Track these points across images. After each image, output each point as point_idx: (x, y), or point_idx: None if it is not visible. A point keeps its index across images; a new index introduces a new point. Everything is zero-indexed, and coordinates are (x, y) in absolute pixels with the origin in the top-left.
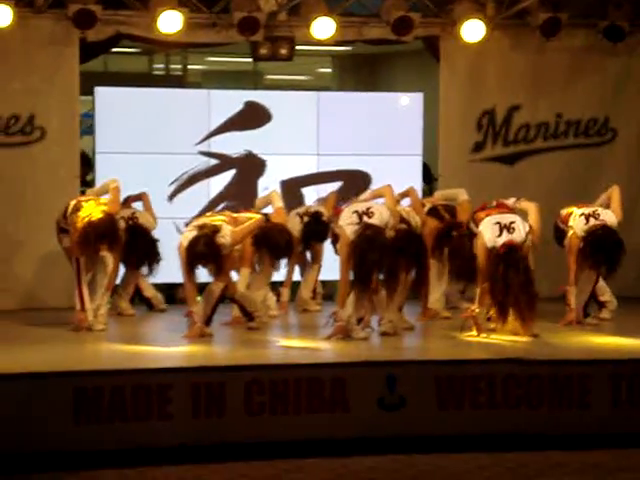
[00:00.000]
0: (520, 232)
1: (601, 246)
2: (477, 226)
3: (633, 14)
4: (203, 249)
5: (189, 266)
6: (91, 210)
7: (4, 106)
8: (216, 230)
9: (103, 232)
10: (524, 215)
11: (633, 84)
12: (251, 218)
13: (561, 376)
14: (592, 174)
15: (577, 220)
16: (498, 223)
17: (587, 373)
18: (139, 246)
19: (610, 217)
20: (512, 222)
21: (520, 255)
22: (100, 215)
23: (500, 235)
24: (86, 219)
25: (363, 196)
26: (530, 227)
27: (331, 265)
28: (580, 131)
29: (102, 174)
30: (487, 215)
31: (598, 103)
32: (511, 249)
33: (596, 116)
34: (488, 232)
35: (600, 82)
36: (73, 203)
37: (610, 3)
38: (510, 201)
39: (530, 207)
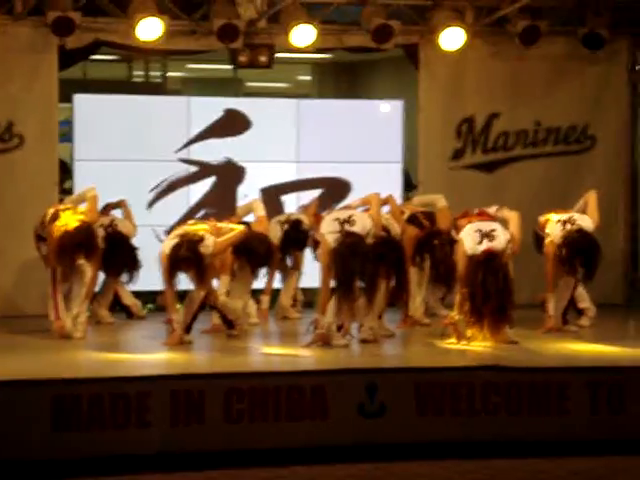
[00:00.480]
0: (500, 240)
1: (578, 250)
2: (458, 233)
3: (612, 22)
4: (185, 254)
5: (170, 272)
6: (67, 219)
7: None
8: (199, 239)
9: (79, 241)
10: (505, 223)
11: (612, 92)
12: (234, 229)
13: (540, 383)
14: (572, 181)
15: (554, 227)
16: (479, 230)
17: (565, 380)
18: (118, 254)
19: (586, 222)
20: (493, 230)
21: (500, 263)
22: (76, 224)
23: (480, 242)
24: (62, 228)
25: (352, 203)
26: (511, 235)
27: (311, 272)
28: (559, 139)
29: (81, 181)
30: (468, 222)
31: (577, 111)
32: (491, 257)
33: (575, 123)
34: (469, 239)
35: (579, 90)
36: (51, 211)
37: (589, 11)
38: (492, 209)
39: (511, 216)
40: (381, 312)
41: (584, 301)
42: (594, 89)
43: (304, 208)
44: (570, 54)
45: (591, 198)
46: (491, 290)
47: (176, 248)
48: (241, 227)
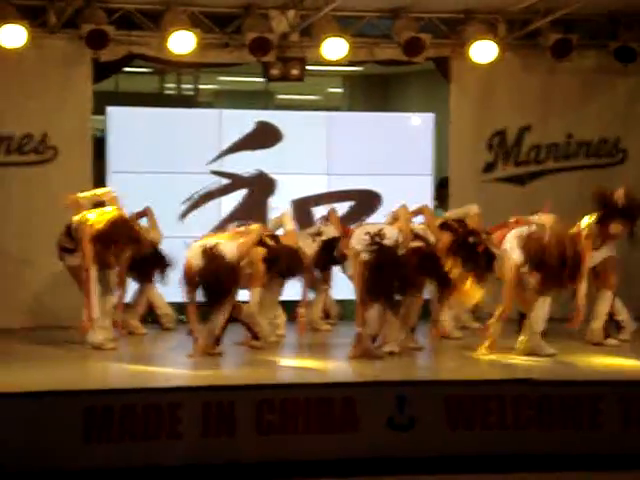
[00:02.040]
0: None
1: None
2: (497, 247)
3: None
4: (216, 271)
5: (193, 288)
6: (106, 214)
7: (18, 125)
8: (221, 251)
9: (126, 230)
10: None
11: None
12: (252, 230)
13: (571, 397)
14: None
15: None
16: (519, 236)
17: (598, 394)
18: (147, 259)
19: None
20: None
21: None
22: (119, 213)
23: None
24: (106, 218)
25: (386, 219)
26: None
27: (340, 285)
28: (591, 152)
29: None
30: (508, 232)
31: (609, 124)
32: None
33: (607, 137)
34: (515, 247)
35: (611, 103)
36: (77, 218)
37: (621, 24)
38: (529, 218)
39: (548, 219)
40: (413, 325)
41: (621, 314)
42: (625, 102)
43: (324, 219)
44: (601, 67)
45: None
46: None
47: (206, 267)
48: (257, 226)
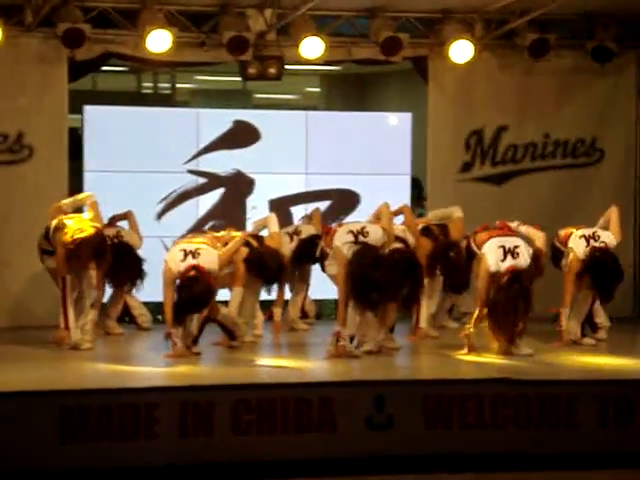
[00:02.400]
0: (524, 257)
1: (600, 272)
2: (479, 247)
3: (621, 35)
4: (199, 297)
5: (172, 289)
6: (81, 225)
7: None
8: (201, 260)
9: (94, 247)
10: (527, 240)
11: (621, 105)
12: (234, 237)
13: (548, 396)
14: (579, 194)
15: (577, 241)
16: (502, 247)
17: (574, 393)
18: (124, 264)
19: (610, 239)
20: (517, 246)
21: (523, 280)
22: (91, 230)
23: (504, 260)
24: (77, 234)
25: (368, 219)
26: (538, 253)
27: (319, 284)
28: (568, 151)
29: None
30: (489, 237)
31: (586, 124)
32: (515, 274)
33: (584, 136)
34: (492, 256)
35: (588, 103)
36: (55, 223)
37: (598, 24)
38: (513, 224)
39: (539, 236)
40: (392, 324)
41: (600, 316)
42: (602, 102)
43: (307, 219)
44: (579, 67)
45: (613, 214)
46: (513, 308)
47: (188, 289)
48: (239, 234)
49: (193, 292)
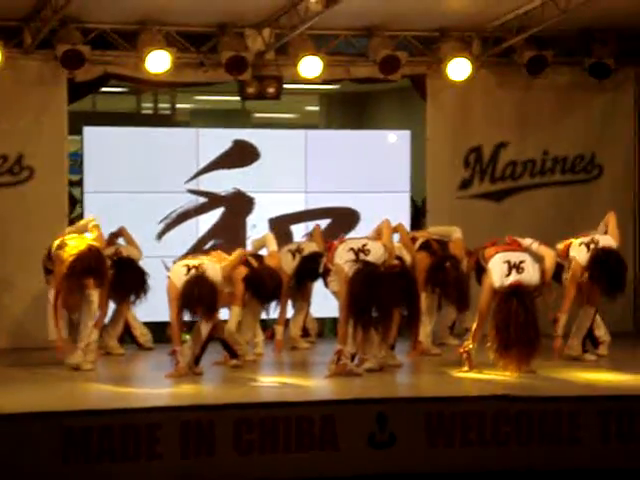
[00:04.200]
0: (529, 272)
1: (606, 267)
2: (486, 262)
3: (618, 51)
4: (200, 292)
5: (181, 307)
6: (78, 244)
7: None
8: (205, 271)
9: (90, 265)
10: (537, 258)
11: (619, 121)
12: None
13: (550, 412)
14: (579, 210)
15: (578, 249)
16: (507, 262)
17: (576, 409)
18: (127, 278)
19: (609, 241)
20: (522, 261)
21: (526, 296)
22: (87, 248)
23: (509, 275)
24: (74, 252)
25: (369, 235)
26: (544, 272)
27: (320, 302)
28: (567, 168)
29: (91, 213)
30: (496, 252)
31: (584, 140)
32: (518, 290)
33: (582, 153)
34: (497, 271)
35: (586, 119)
36: (57, 242)
37: (595, 40)
38: (526, 241)
39: (548, 254)
40: (393, 341)
41: (599, 329)
42: (601, 118)
43: (309, 236)
44: (576, 84)
45: (610, 218)
46: (516, 323)
47: (190, 285)
48: (239, 250)
49: (198, 288)
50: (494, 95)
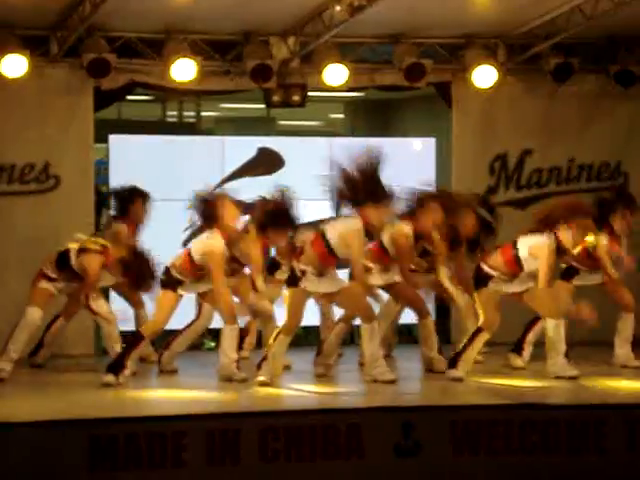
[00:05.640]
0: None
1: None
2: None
3: None
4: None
5: None
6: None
7: (19, 155)
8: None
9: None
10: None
11: None
12: None
13: (577, 420)
14: None
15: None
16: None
17: (603, 418)
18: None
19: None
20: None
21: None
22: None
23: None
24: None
25: None
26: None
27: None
28: (592, 175)
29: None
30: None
31: (610, 147)
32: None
33: (608, 160)
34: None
35: (612, 126)
36: (75, 247)
37: (621, 48)
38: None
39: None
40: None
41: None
42: (626, 126)
43: None
44: (602, 91)
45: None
46: None
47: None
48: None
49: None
50: (519, 102)
